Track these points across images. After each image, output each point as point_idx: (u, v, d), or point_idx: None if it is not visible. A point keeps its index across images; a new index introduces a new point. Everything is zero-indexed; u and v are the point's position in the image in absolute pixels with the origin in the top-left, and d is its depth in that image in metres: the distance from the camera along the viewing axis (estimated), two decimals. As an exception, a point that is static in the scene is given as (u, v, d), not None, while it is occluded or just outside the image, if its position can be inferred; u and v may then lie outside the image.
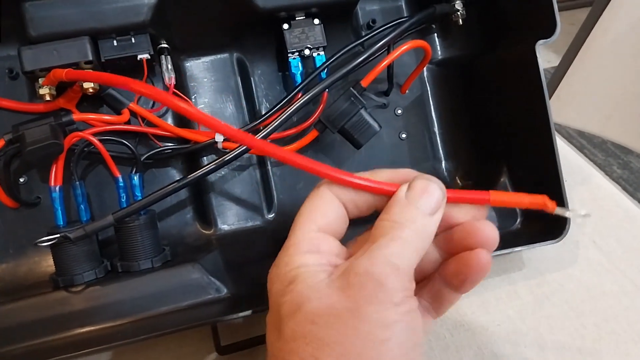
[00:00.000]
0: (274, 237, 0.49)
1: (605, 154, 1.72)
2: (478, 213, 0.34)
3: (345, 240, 0.34)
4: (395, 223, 0.30)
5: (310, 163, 0.33)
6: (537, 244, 0.46)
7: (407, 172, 0.33)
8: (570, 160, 0.61)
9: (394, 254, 0.29)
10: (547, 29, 0.44)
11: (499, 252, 0.46)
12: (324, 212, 0.32)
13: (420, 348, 0.29)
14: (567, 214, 0.33)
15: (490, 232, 0.33)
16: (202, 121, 0.34)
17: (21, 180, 0.46)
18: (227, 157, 0.43)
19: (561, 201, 0.45)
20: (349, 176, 0.32)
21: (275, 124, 0.44)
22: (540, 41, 0.44)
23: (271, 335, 0.30)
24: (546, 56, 1.63)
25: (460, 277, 0.33)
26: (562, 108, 1.00)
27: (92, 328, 0.40)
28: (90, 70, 0.41)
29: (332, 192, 0.33)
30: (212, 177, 0.49)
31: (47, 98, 0.43)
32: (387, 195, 0.32)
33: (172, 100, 0.34)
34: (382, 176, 0.33)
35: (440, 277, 0.34)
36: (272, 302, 0.30)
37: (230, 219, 0.50)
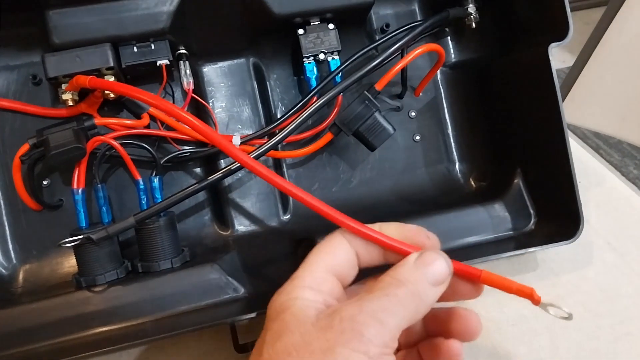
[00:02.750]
0: (289, 238, 0.50)
1: (621, 154, 1.71)
2: (475, 292, 0.35)
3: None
4: (396, 280, 0.31)
5: (326, 207, 0.35)
6: (551, 245, 0.46)
7: (413, 229, 0.35)
8: (584, 162, 0.61)
9: (383, 308, 0.29)
10: (560, 32, 0.44)
11: (513, 253, 0.46)
12: (333, 255, 0.33)
13: None
14: (550, 311, 0.34)
15: (474, 325, 0.34)
16: (206, 135, 0.37)
17: (44, 183, 0.47)
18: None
19: (574, 203, 0.45)
20: (362, 227, 0.33)
21: (291, 127, 0.45)
22: (553, 44, 0.44)
23: (253, 357, 0.30)
24: (561, 56, 1.62)
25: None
26: (576, 109, 0.99)
27: (114, 327, 0.41)
28: (112, 79, 0.43)
29: (345, 238, 0.34)
30: (229, 179, 0.50)
31: (70, 103, 0.44)
32: (397, 253, 0.33)
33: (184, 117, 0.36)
34: (390, 230, 0.34)
35: (419, 352, 0.36)
36: (264, 325, 0.31)
37: (246, 220, 0.51)
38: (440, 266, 0.32)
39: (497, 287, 0.34)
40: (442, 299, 0.33)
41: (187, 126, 0.39)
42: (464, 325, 0.35)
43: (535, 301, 0.34)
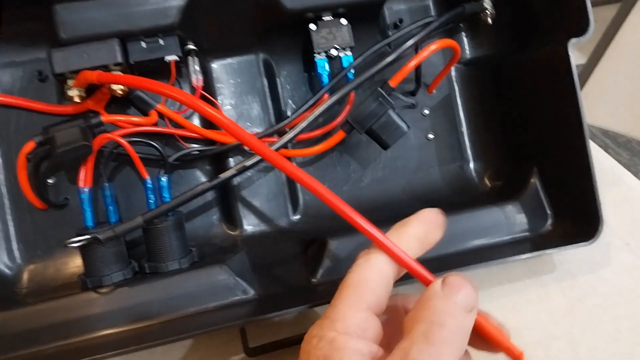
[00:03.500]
0: (299, 238, 0.49)
1: (630, 153, 1.69)
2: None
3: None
4: (434, 319, 0.28)
5: (355, 214, 0.33)
6: (570, 246, 0.44)
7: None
8: (601, 161, 0.59)
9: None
10: (580, 27, 0.43)
11: (529, 255, 0.45)
12: (373, 288, 0.30)
13: None
14: None
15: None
16: (225, 127, 0.34)
17: (50, 181, 0.46)
18: (256, 158, 0.43)
19: (594, 203, 0.44)
20: (392, 244, 0.31)
21: (302, 125, 0.44)
22: (573, 39, 0.43)
23: None
24: (573, 55, 1.61)
25: None
26: (589, 107, 0.97)
27: (120, 329, 0.40)
28: (122, 74, 0.42)
29: (386, 264, 0.31)
30: (237, 179, 0.49)
31: (76, 100, 0.43)
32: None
33: (199, 105, 0.34)
34: (410, 233, 0.32)
35: None
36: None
37: (256, 220, 0.50)
38: (469, 288, 0.29)
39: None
40: None
41: (208, 118, 0.36)
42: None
43: None
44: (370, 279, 0.31)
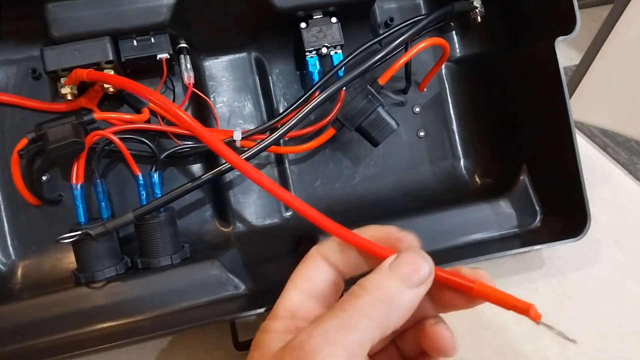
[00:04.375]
0: (291, 234, 0.49)
1: (629, 152, 1.69)
2: (469, 304, 0.31)
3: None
4: (360, 289, 0.28)
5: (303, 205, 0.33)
6: (558, 242, 0.45)
7: (391, 229, 0.32)
8: (591, 159, 0.60)
9: (337, 327, 0.26)
10: (567, 25, 0.43)
11: (518, 250, 0.45)
12: (308, 276, 0.31)
13: None
14: (553, 332, 0.30)
15: (446, 340, 0.31)
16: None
17: (44, 178, 0.46)
18: (245, 155, 0.43)
19: (581, 200, 0.45)
20: (337, 227, 0.31)
21: (292, 122, 0.45)
22: (560, 38, 0.43)
23: None
24: (568, 54, 1.61)
25: None
26: (584, 106, 0.98)
27: (113, 323, 0.40)
28: (111, 73, 0.42)
29: (320, 255, 0.32)
30: (230, 175, 0.49)
31: (69, 97, 0.43)
32: (376, 257, 0.31)
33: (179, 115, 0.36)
34: (368, 233, 0.32)
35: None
36: None
37: (248, 216, 0.50)
38: (417, 265, 0.29)
39: (492, 301, 0.30)
40: (436, 308, 0.32)
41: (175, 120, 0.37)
42: (437, 343, 0.31)
43: (534, 319, 0.29)
44: (304, 268, 0.32)
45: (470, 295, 0.30)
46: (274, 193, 0.34)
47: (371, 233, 0.32)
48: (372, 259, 0.31)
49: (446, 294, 0.31)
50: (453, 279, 0.31)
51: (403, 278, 0.29)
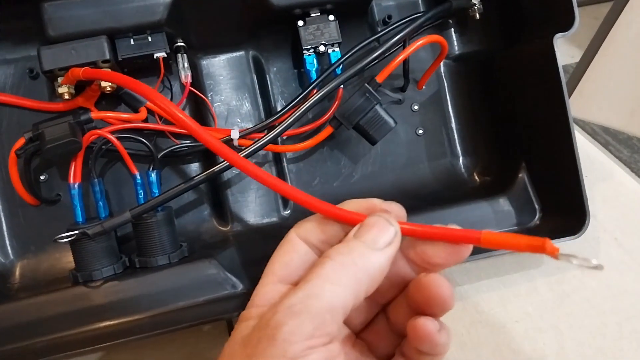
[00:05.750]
0: (290, 233, 0.49)
1: (630, 150, 1.69)
2: (456, 255, 0.30)
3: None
4: (324, 259, 0.28)
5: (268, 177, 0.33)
6: (557, 240, 0.45)
7: (374, 203, 0.31)
8: (592, 157, 0.60)
9: (302, 298, 0.26)
10: (566, 22, 0.43)
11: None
12: (286, 262, 0.31)
13: None
14: (574, 262, 0.27)
15: (444, 292, 0.29)
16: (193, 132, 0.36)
17: (42, 178, 0.46)
18: (242, 153, 0.43)
19: (580, 198, 0.44)
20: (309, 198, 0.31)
21: (290, 120, 0.45)
22: (559, 34, 0.43)
23: None
24: (569, 51, 1.61)
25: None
26: (584, 103, 0.98)
27: (111, 322, 0.40)
28: (106, 70, 0.42)
29: (299, 237, 0.31)
30: (228, 174, 0.49)
31: (66, 97, 0.43)
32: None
33: (176, 114, 0.36)
34: (350, 206, 0.31)
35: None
36: None
37: (246, 215, 0.50)
38: (381, 227, 0.29)
39: (504, 248, 0.29)
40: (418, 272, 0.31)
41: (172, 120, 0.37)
42: (433, 295, 0.29)
43: (551, 253, 0.27)
44: (281, 253, 0.32)
45: (479, 245, 0.29)
46: (272, 186, 0.34)
47: (354, 206, 0.31)
48: None
49: (428, 251, 0.30)
50: (458, 234, 0.29)
51: (367, 242, 0.28)
